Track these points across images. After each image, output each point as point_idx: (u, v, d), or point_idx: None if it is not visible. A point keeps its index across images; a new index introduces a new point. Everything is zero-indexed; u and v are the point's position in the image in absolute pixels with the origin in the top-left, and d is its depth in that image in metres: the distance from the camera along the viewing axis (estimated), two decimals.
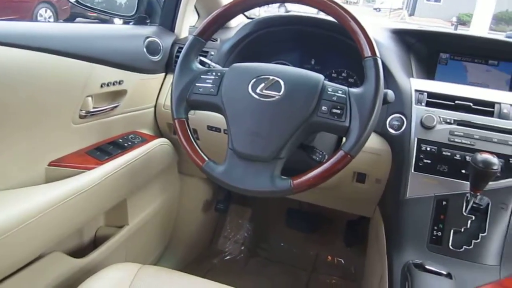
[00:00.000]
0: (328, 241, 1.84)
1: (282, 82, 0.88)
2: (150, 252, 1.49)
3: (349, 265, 1.78)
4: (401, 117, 1.08)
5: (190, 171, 1.53)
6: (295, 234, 1.86)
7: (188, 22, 1.47)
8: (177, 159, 1.44)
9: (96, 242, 1.22)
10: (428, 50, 1.32)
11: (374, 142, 1.11)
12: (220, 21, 0.97)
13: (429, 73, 1.32)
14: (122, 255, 1.27)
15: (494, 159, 0.87)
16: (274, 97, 0.87)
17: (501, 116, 1.02)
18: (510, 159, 0.98)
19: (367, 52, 0.85)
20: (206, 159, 0.93)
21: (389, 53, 1.18)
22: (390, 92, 0.92)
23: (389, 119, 1.10)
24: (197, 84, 0.95)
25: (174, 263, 1.62)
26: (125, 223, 1.26)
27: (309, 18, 1.25)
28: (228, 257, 1.83)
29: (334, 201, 1.46)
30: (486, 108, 1.04)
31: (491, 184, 0.95)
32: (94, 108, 1.14)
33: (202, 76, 0.96)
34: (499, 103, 1.04)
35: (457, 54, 1.32)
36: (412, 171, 1.02)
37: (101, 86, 1.13)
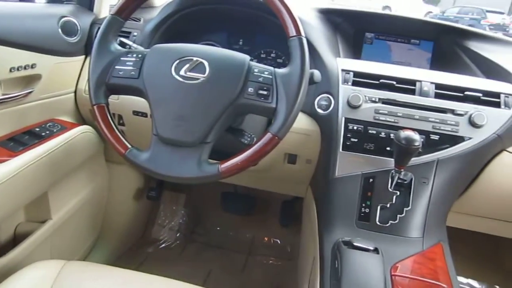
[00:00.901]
0: (264, 223, 1.85)
1: (206, 64, 0.85)
2: (78, 247, 1.41)
3: (285, 245, 1.81)
4: (328, 97, 1.08)
5: (119, 159, 1.45)
6: (231, 217, 1.85)
7: (108, 1, 1.38)
8: (103, 146, 1.37)
9: (16, 240, 1.13)
10: (354, 30, 1.34)
11: (303, 123, 1.11)
12: None
13: (355, 53, 1.34)
14: (46, 252, 1.19)
15: (416, 136, 0.90)
16: (198, 79, 0.84)
17: (422, 93, 1.05)
18: (431, 135, 1.01)
19: (292, 32, 0.84)
20: (129, 146, 0.88)
21: (316, 32, 1.17)
22: (316, 72, 0.91)
23: (317, 99, 1.10)
24: (116, 67, 0.89)
25: (105, 256, 1.56)
26: (47, 218, 1.17)
27: None
28: (163, 245, 1.78)
29: (267, 183, 1.46)
30: (408, 86, 1.06)
31: (414, 160, 0.99)
32: (3, 94, 1.04)
33: (122, 58, 0.90)
34: (420, 81, 1.07)
35: (382, 33, 1.35)
36: (340, 150, 1.03)
37: (10, 70, 1.03)
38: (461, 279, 1.73)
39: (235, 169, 0.83)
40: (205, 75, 0.84)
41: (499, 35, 1.34)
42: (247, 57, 0.87)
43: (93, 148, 1.30)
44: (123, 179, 1.57)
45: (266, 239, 1.84)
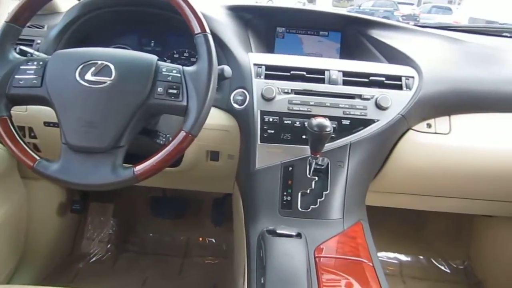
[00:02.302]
0: (197, 223, 1.84)
1: (112, 67, 0.83)
2: None
3: (221, 243, 1.81)
4: (243, 92, 1.10)
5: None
6: (163, 222, 1.83)
7: (7, 8, 1.30)
8: (16, 162, 1.29)
9: None
10: (265, 25, 1.37)
11: (221, 119, 1.12)
12: (34, 5, 0.88)
13: (268, 47, 1.37)
14: None
15: (327, 122, 0.94)
16: (105, 82, 0.82)
17: (331, 81, 1.10)
18: (342, 120, 1.06)
19: (196, 29, 0.84)
20: (38, 157, 0.84)
21: (226, 29, 1.19)
22: (226, 68, 0.93)
23: (232, 95, 1.11)
24: (16, 77, 0.85)
25: (30, 277, 1.47)
26: None
27: None
28: (94, 259, 1.72)
29: (193, 183, 1.45)
30: (318, 75, 1.11)
31: (328, 145, 1.03)
32: None
33: (21, 67, 0.86)
34: (329, 70, 1.12)
35: (292, 27, 1.39)
36: (259, 142, 1.05)
37: None
38: (388, 253, 1.84)
39: (151, 170, 0.83)
40: (112, 78, 0.82)
41: (398, 22, 1.43)
42: (154, 57, 0.87)
43: (3, 165, 1.22)
44: (42, 194, 1.49)
45: (200, 239, 1.83)
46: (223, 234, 1.80)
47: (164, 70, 0.85)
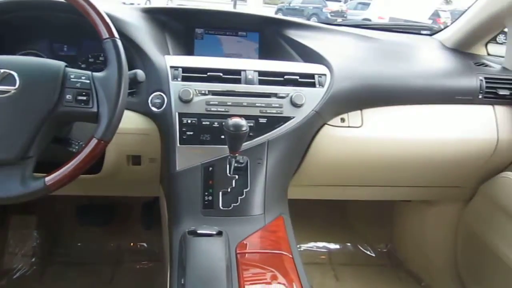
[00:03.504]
0: (127, 228, 1.81)
1: (16, 75, 0.81)
2: None
3: (153, 247, 1.80)
4: (161, 95, 1.10)
5: None
6: (91, 230, 1.78)
7: None
8: None
9: None
10: (183, 27, 1.37)
11: (140, 123, 1.12)
12: None
13: (188, 49, 1.37)
14: None
15: (242, 122, 0.96)
16: (8, 92, 0.79)
17: (247, 81, 1.13)
18: (259, 119, 1.09)
19: (104, 34, 0.84)
20: None
21: (141, 32, 1.18)
22: (139, 72, 0.93)
23: (150, 98, 1.11)
24: None
25: None
26: None
27: (44, 2, 1.15)
28: (18, 275, 1.64)
29: (118, 188, 1.43)
30: (235, 76, 1.13)
31: (247, 144, 1.06)
32: None
33: None
34: (245, 70, 1.14)
35: (211, 28, 1.40)
36: (178, 144, 1.06)
37: None
38: (317, 243, 1.92)
39: (64, 180, 0.81)
40: (16, 87, 0.80)
41: (312, 22, 1.49)
42: (61, 64, 0.85)
43: None
44: None
45: (132, 244, 1.80)
46: (154, 238, 1.78)
47: (72, 76, 0.83)
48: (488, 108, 1.34)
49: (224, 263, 0.85)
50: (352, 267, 1.85)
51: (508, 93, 1.34)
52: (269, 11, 14.26)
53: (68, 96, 0.82)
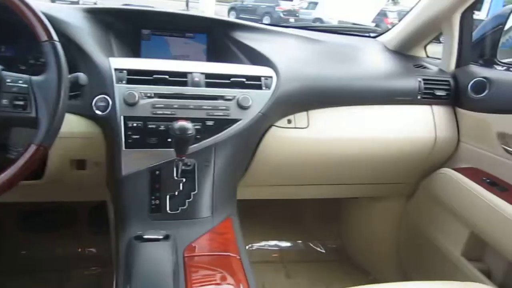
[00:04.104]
0: (74, 234, 1.76)
1: None
2: None
3: (102, 252, 1.75)
4: (105, 98, 1.08)
5: None
6: (36, 236, 1.71)
7: None
8: None
9: None
10: (129, 28, 1.34)
11: (84, 126, 1.09)
12: None
13: (134, 51, 1.35)
14: None
15: (188, 125, 0.96)
16: None
17: (194, 84, 1.12)
18: (206, 122, 1.10)
19: (42, 36, 0.82)
20: None
21: (83, 33, 1.15)
22: (81, 75, 0.91)
23: (94, 101, 1.08)
24: None
25: None
26: None
27: None
28: None
29: (63, 194, 1.39)
30: (181, 78, 1.12)
31: (194, 147, 1.06)
32: None
33: None
34: (191, 73, 1.14)
35: (158, 29, 1.39)
36: (124, 148, 1.04)
37: None
38: (269, 242, 1.95)
39: (2, 187, 0.78)
40: None
41: (259, 24, 1.51)
42: None
43: None
44: None
45: (80, 250, 1.76)
46: (103, 243, 1.74)
47: (8, 80, 0.80)
48: (426, 108, 1.41)
49: (171, 267, 0.85)
50: (303, 264, 1.90)
51: (444, 94, 1.42)
52: (221, 10, 14.24)
53: (4, 101, 0.79)
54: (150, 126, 1.06)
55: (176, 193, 1.04)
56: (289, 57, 1.33)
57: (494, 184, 1.27)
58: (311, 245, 2.00)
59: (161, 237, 0.91)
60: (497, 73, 1.39)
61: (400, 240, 1.73)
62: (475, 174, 1.34)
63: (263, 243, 1.94)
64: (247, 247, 1.92)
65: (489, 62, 1.48)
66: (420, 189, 1.56)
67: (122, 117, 1.05)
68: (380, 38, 1.69)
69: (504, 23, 1.46)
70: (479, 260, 1.35)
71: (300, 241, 2.00)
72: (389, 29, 1.69)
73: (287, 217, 2.01)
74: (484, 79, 1.35)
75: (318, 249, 2.00)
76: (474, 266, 1.32)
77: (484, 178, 1.31)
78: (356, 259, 1.94)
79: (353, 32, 1.83)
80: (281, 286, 1.74)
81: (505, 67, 1.48)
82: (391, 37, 1.62)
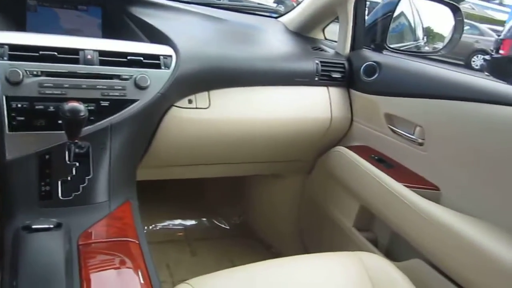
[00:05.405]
0: None
1: None
2: None
3: None
4: None
5: None
6: None
7: None
8: None
9: None
10: None
11: None
12: None
13: (19, 23, 1.23)
14: None
15: (80, 106, 0.91)
16: None
17: (86, 62, 1.05)
18: (101, 102, 1.04)
19: None
20: None
21: None
22: None
23: None
24: None
25: None
26: None
27: None
28: None
29: None
30: (72, 55, 1.05)
31: (88, 129, 1.00)
32: None
33: None
34: (83, 50, 1.06)
35: (46, 0, 1.28)
36: (7, 131, 0.96)
37: None
38: (173, 221, 1.94)
39: None
40: None
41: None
42: None
43: None
44: None
45: None
46: None
47: None
48: (323, 90, 1.48)
49: (63, 257, 0.80)
50: (207, 241, 1.92)
51: (339, 76, 1.50)
52: None
53: None
54: (37, 107, 0.98)
55: (69, 178, 0.98)
56: (190, 36, 1.30)
57: (381, 161, 1.38)
58: (216, 222, 2.04)
59: (52, 226, 0.86)
60: (386, 58, 1.49)
61: (300, 214, 1.82)
62: (365, 151, 1.45)
63: (167, 223, 1.93)
64: (151, 227, 1.90)
65: (380, 47, 1.59)
66: (317, 166, 1.65)
67: (4, 97, 0.96)
68: (282, 19, 1.72)
69: (394, 10, 1.56)
70: (368, 231, 1.47)
71: (204, 219, 2.02)
72: (290, 10, 1.73)
73: (192, 196, 2.01)
74: (374, 63, 1.45)
75: (223, 226, 2.04)
76: (364, 236, 1.44)
77: (373, 156, 1.41)
78: (259, 234, 2.01)
79: (256, 11, 1.84)
80: (186, 264, 1.75)
81: (394, 52, 1.60)
82: (292, 18, 1.66)
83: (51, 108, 0.99)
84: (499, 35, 9.05)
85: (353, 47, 1.57)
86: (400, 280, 1.05)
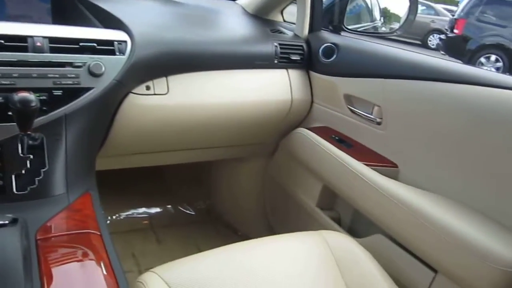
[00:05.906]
0: None
1: None
2: None
3: None
4: None
5: None
6: None
7: None
8: None
9: None
10: None
11: None
12: None
13: None
14: None
15: (31, 96, 0.87)
16: None
17: (36, 50, 1.01)
18: (54, 91, 1.00)
19: None
20: None
21: None
22: None
23: None
24: None
25: None
26: None
27: None
28: None
29: None
30: (20, 43, 1.00)
31: (41, 119, 0.96)
32: None
33: None
34: (32, 37, 1.02)
35: None
36: None
37: None
38: (138, 210, 1.92)
39: None
40: None
41: None
42: None
43: None
44: None
45: None
46: None
47: None
48: (283, 72, 1.48)
49: (20, 253, 0.78)
50: (173, 228, 1.91)
51: (298, 58, 1.50)
52: None
53: None
54: None
55: (23, 171, 0.95)
56: (146, 20, 1.27)
57: (341, 141, 1.41)
58: (181, 208, 2.03)
59: (7, 221, 0.83)
60: (344, 39, 1.51)
61: (265, 196, 1.84)
62: (326, 132, 1.47)
63: (131, 212, 1.91)
64: (114, 217, 1.87)
65: (338, 28, 1.60)
66: (280, 148, 1.66)
67: None
68: (240, 1, 1.70)
69: None
70: (331, 209, 1.50)
71: (169, 206, 2.01)
72: None
73: (156, 184, 1.99)
74: (332, 45, 1.46)
75: (188, 211, 2.03)
76: (327, 215, 1.46)
77: (333, 136, 1.44)
78: (225, 218, 2.01)
79: None
80: (151, 252, 1.74)
81: (351, 33, 1.62)
82: (250, 1, 1.65)
83: (0, 99, 0.94)
84: (453, 15, 9.31)
85: (311, 29, 1.57)
86: (362, 256, 1.08)
